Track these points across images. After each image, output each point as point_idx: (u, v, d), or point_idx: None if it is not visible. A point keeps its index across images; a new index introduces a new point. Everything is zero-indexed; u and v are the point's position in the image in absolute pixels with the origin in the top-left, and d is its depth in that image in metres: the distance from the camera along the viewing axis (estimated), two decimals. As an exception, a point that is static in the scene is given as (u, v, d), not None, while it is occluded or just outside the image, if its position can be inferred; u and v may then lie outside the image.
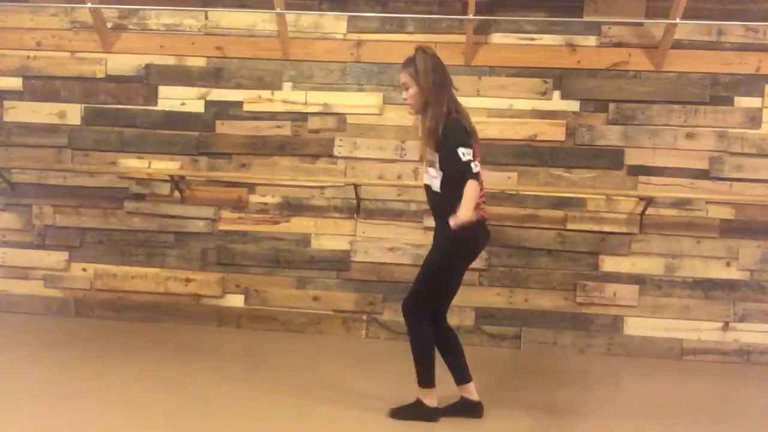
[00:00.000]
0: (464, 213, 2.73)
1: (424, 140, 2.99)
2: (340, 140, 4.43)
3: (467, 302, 4.39)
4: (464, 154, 2.83)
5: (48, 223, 4.67)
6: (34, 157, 4.65)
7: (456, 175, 2.84)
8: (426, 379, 3.03)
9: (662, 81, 4.27)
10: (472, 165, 2.85)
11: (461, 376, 3.12)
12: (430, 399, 3.04)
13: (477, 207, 2.89)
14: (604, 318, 4.34)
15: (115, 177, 4.61)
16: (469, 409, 3.11)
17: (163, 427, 2.87)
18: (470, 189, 2.80)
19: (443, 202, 2.94)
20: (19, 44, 4.64)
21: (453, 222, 2.73)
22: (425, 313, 3.03)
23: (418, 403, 3.05)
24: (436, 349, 3.07)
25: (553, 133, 4.33)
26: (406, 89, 3.01)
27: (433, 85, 2.93)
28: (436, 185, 2.98)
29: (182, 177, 4.54)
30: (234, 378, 3.53)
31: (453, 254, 2.98)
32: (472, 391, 3.11)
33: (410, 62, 3.01)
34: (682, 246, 4.29)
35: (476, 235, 2.99)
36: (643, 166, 4.29)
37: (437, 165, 2.94)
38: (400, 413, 3.06)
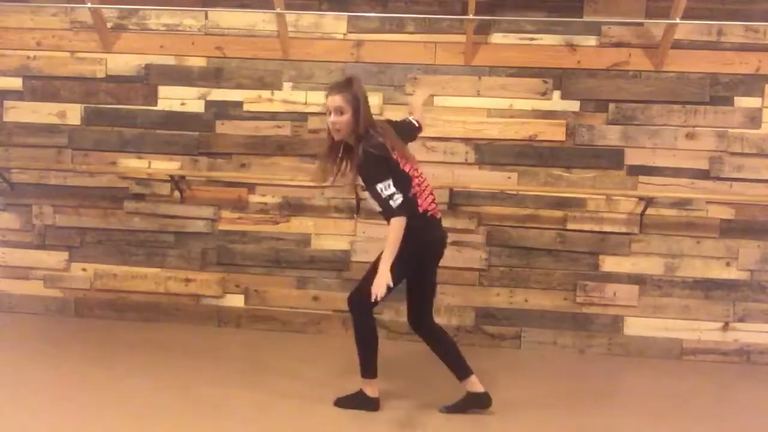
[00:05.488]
0: (382, 273, 2.77)
1: (354, 173, 3.01)
2: (340, 140, 4.43)
3: (467, 302, 4.40)
4: (383, 189, 2.84)
5: (48, 223, 4.68)
6: (34, 157, 4.65)
7: (382, 210, 2.90)
8: (368, 371, 3.12)
9: (662, 81, 4.28)
10: (391, 202, 2.84)
11: (461, 371, 3.14)
12: (372, 389, 3.13)
13: (431, 208, 3.04)
14: (604, 318, 4.34)
15: (115, 177, 4.61)
16: (477, 401, 3.14)
17: (163, 427, 2.87)
18: (393, 233, 2.83)
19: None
20: (19, 44, 4.64)
21: (373, 293, 2.76)
22: (371, 309, 3.07)
23: (360, 393, 3.14)
24: (378, 343, 3.13)
25: (553, 133, 4.33)
26: (339, 114, 2.93)
27: (368, 116, 2.97)
28: (377, 207, 2.97)
29: (182, 177, 4.54)
30: (234, 378, 3.53)
31: (409, 262, 2.99)
32: (475, 384, 3.14)
33: (347, 86, 2.96)
34: (682, 246, 4.29)
35: (432, 240, 3.09)
36: (643, 166, 4.29)
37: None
38: (343, 402, 3.16)
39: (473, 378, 3.13)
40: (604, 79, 4.30)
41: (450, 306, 4.41)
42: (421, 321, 3.17)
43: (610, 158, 4.31)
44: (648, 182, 4.29)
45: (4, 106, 4.68)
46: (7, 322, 4.49)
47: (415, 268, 3.07)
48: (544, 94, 4.34)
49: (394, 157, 2.97)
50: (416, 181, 3.03)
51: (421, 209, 3.01)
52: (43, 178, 4.66)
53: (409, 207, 2.92)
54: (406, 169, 3.01)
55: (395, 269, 2.92)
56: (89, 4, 4.29)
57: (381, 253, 2.91)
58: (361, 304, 3.06)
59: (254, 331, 4.50)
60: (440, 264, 4.33)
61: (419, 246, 3.00)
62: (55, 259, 4.68)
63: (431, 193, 3.11)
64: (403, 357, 4.03)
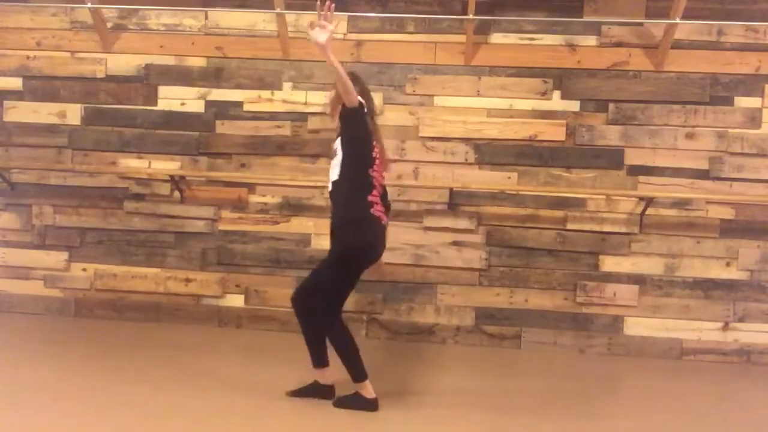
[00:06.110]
0: (333, 59, 2.81)
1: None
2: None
3: (467, 302, 4.40)
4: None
5: (48, 223, 4.68)
6: (34, 157, 4.65)
7: (348, 118, 3.00)
8: (357, 375, 3.13)
9: (662, 81, 4.28)
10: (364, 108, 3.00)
11: (320, 359, 3.23)
12: (367, 391, 3.14)
13: (381, 213, 3.10)
14: (604, 318, 4.34)
15: (115, 177, 4.61)
16: (322, 392, 3.22)
17: (163, 427, 2.87)
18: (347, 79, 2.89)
19: (339, 192, 3.12)
20: (19, 44, 4.64)
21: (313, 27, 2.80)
22: (338, 316, 3.13)
23: (358, 395, 3.15)
24: (356, 343, 3.14)
25: (553, 133, 4.33)
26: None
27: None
28: (335, 173, 3.11)
29: (182, 177, 4.54)
30: (234, 378, 3.53)
31: (347, 266, 3.11)
32: (327, 376, 3.24)
33: None
34: (682, 246, 4.29)
35: (371, 245, 3.12)
36: (643, 166, 4.29)
37: (339, 147, 3.08)
38: (341, 402, 3.16)
39: (328, 369, 3.21)
40: (604, 79, 4.30)
41: (450, 306, 4.41)
42: (317, 311, 3.18)
43: (610, 158, 4.31)
44: (648, 182, 4.29)
45: (4, 106, 4.68)
46: (7, 322, 4.49)
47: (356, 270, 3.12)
48: (544, 94, 4.34)
49: (374, 143, 3.09)
50: (376, 183, 3.11)
51: (373, 209, 3.08)
52: (43, 178, 4.66)
53: (365, 189, 3.06)
54: (375, 162, 3.10)
55: (346, 273, 3.08)
56: (89, 4, 4.29)
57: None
58: (329, 316, 3.11)
59: (254, 331, 4.50)
60: (440, 264, 4.39)
61: (368, 239, 3.09)
62: (55, 259, 4.68)
63: (385, 206, 3.19)
64: (403, 357, 4.03)
